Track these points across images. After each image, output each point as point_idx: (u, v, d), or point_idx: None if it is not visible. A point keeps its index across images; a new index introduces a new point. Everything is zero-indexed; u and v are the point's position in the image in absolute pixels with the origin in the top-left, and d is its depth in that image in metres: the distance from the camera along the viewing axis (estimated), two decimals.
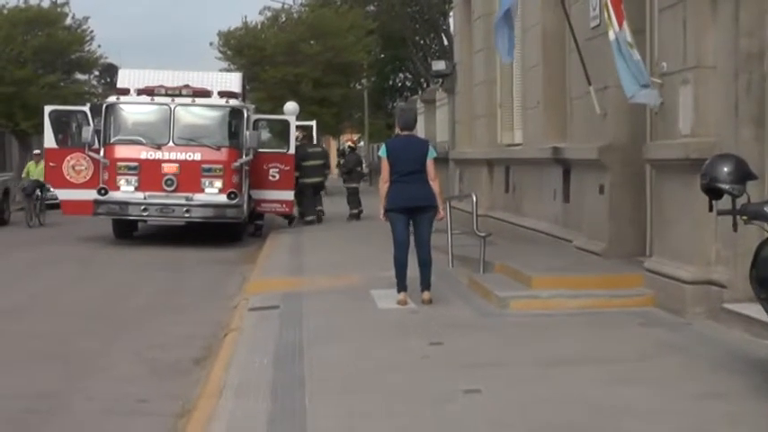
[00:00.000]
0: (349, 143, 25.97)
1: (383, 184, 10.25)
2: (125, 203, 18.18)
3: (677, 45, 9.24)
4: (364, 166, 26.49)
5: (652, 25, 10.48)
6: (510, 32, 12.45)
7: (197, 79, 19.68)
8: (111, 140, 18.57)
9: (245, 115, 19.08)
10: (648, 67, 10.05)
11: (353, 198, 23.30)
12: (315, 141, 24.83)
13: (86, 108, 19.74)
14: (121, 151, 18.44)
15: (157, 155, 18.24)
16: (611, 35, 9.70)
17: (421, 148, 10.29)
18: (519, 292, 10.21)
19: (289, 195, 20.30)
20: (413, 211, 10.14)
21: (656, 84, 9.63)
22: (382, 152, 10.29)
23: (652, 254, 10.38)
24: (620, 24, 9.54)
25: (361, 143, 51.76)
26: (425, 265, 10.22)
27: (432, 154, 10.29)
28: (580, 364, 7.48)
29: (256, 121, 20.44)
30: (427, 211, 10.18)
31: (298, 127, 21.79)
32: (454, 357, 7.71)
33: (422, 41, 45.61)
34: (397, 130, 10.98)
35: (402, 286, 10.23)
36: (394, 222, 10.19)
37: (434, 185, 10.18)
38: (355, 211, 22.94)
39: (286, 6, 40.80)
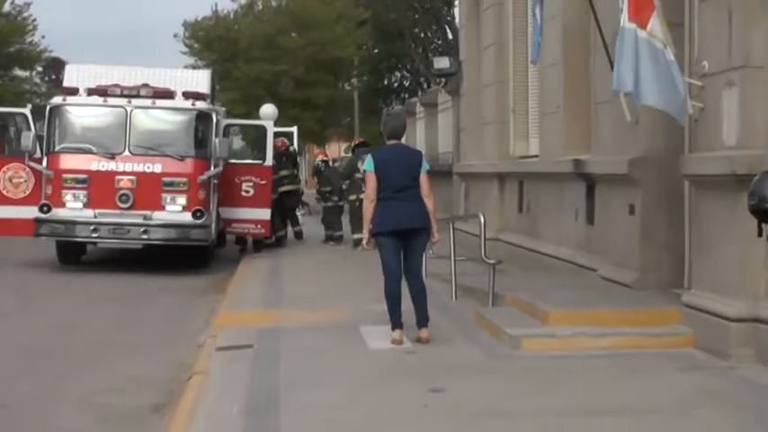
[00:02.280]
0: (321, 157, 25.95)
1: (368, 203, 10.24)
2: (72, 223, 18.12)
3: (721, 41, 9.27)
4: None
5: (691, 18, 10.51)
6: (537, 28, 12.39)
7: (158, 77, 19.66)
8: (56, 148, 18.53)
9: (215, 120, 19.08)
10: (687, 68, 10.09)
11: (338, 219, 23.35)
12: (296, 150, 25.09)
13: (27, 110, 19.72)
14: (68, 161, 18.40)
15: (110, 166, 18.20)
16: (625, 25, 9.79)
17: (413, 159, 10.30)
18: (534, 330, 10.20)
19: (265, 214, 20.28)
20: (405, 235, 10.13)
21: (695, 86, 9.67)
22: (368, 165, 10.27)
23: (691, 285, 10.38)
24: (645, 22, 9.60)
25: (350, 153, 51.77)
26: (420, 294, 10.22)
27: (425, 166, 10.31)
28: (605, 415, 7.47)
29: (227, 126, 20.40)
30: (421, 234, 10.20)
31: (277, 134, 21.82)
32: (458, 407, 7.69)
33: (422, 35, 45.73)
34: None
35: (397, 323, 10.21)
36: (383, 249, 10.17)
37: (429, 203, 10.17)
38: (339, 233, 23.01)
39: None
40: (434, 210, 10.34)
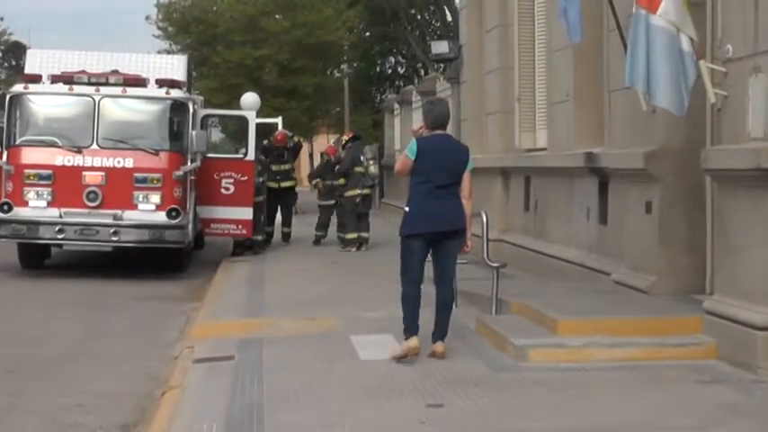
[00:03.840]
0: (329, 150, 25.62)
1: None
2: (34, 223, 18.10)
3: (746, 22, 9.27)
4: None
5: None
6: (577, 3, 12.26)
7: (129, 63, 19.67)
8: (18, 141, 18.51)
9: (191, 110, 19.07)
10: (709, 52, 10.10)
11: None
12: (300, 142, 25.38)
13: None
14: (30, 155, 18.39)
15: (77, 160, 18.19)
16: (636, 9, 9.88)
17: (461, 155, 10.19)
18: (541, 340, 10.21)
19: (246, 213, 20.28)
20: (438, 237, 9.98)
21: (718, 72, 9.68)
22: (410, 151, 10.00)
23: (713, 291, 10.38)
24: (654, 5, 9.68)
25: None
26: (446, 308, 10.08)
27: (471, 164, 10.20)
28: None
29: (206, 117, 20.40)
30: (456, 237, 10.04)
31: (260, 125, 21.82)
32: (458, 424, 7.69)
33: (419, 16, 45.79)
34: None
35: (413, 328, 9.95)
36: (411, 251, 9.99)
37: (467, 205, 10.07)
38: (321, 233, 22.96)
39: None
40: (471, 214, 10.29)
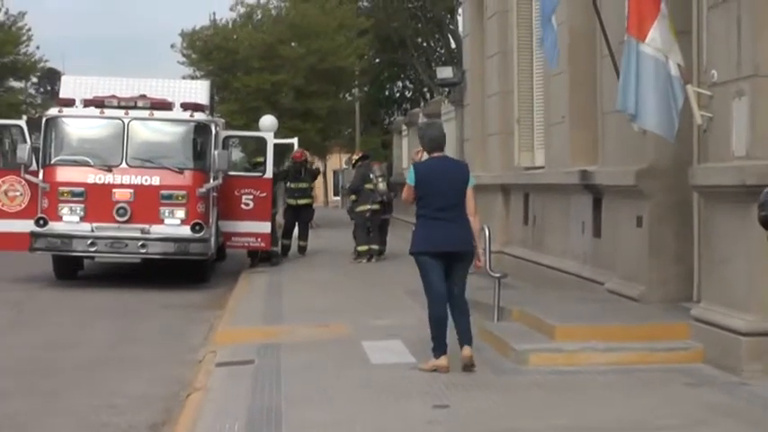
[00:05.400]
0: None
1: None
2: (68, 237, 18.13)
3: (730, 49, 9.28)
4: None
5: (699, 26, 10.54)
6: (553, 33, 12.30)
7: (156, 88, 19.69)
8: (53, 161, 18.55)
9: (214, 131, 19.11)
10: (695, 77, 10.11)
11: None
12: (318, 168, 25.67)
13: (22, 122, 19.75)
14: (64, 174, 18.42)
15: (108, 178, 18.22)
16: (627, 38, 9.89)
17: (460, 174, 9.88)
18: (540, 345, 10.21)
19: (265, 227, 20.30)
20: (447, 256, 9.72)
21: (704, 96, 9.69)
22: (410, 179, 9.77)
23: (700, 299, 10.38)
24: (644, 32, 9.69)
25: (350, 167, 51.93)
26: (465, 316, 9.82)
27: (472, 181, 9.94)
28: None
29: (227, 138, 20.42)
30: (466, 257, 9.81)
31: (277, 146, 21.86)
32: (463, 423, 7.69)
33: (425, 44, 45.84)
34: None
35: (444, 349, 9.69)
36: (428, 270, 9.70)
37: (475, 222, 9.81)
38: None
39: (262, 1, 40.97)
40: (479, 229, 10.07)
